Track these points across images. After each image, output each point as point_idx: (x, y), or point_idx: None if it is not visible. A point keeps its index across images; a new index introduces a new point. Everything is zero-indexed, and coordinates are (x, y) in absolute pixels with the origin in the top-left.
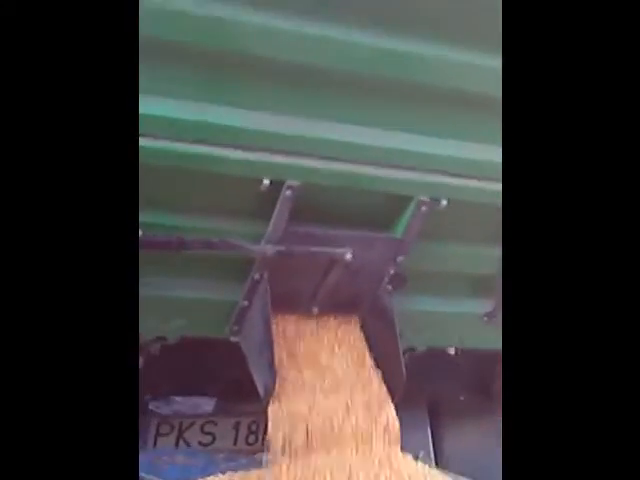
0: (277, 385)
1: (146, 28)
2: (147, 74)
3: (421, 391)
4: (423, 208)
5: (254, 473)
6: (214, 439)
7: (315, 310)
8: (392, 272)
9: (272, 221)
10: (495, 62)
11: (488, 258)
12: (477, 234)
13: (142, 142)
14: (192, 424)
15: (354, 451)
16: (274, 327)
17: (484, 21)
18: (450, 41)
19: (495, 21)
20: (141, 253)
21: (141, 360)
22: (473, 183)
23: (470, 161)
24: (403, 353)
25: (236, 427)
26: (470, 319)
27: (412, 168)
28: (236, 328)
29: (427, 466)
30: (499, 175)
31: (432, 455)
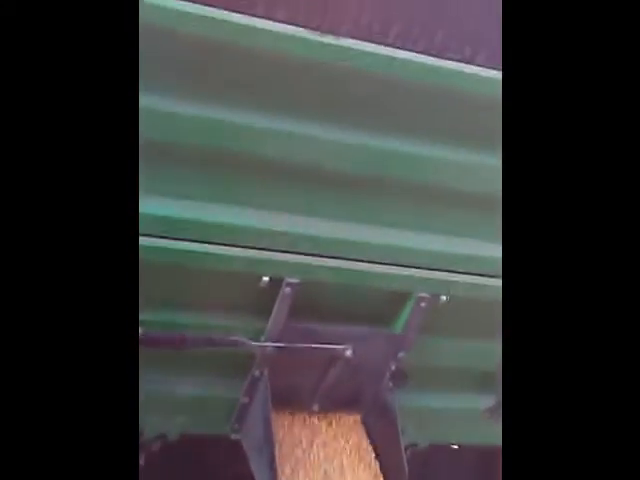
0: None
1: (146, 129)
2: (147, 174)
3: None
4: (422, 304)
5: None
6: None
7: (316, 407)
8: (393, 368)
9: (272, 318)
10: (494, 161)
11: (489, 353)
12: (477, 329)
13: (142, 241)
14: None
15: None
16: (274, 424)
17: (483, 122)
18: (450, 142)
19: (495, 121)
20: (142, 351)
21: (142, 458)
22: (473, 279)
23: (470, 257)
24: (405, 449)
25: None
26: (472, 414)
27: (411, 265)
28: (237, 425)
29: None
30: (499, 271)
31: None
